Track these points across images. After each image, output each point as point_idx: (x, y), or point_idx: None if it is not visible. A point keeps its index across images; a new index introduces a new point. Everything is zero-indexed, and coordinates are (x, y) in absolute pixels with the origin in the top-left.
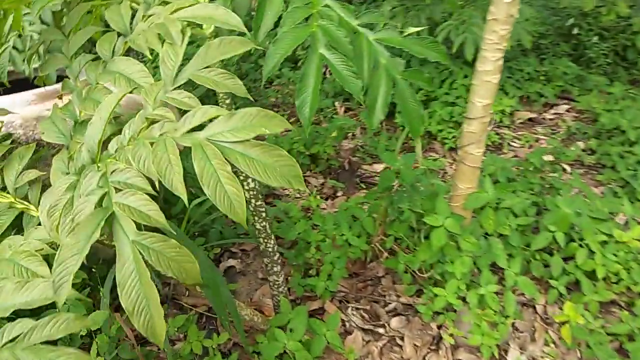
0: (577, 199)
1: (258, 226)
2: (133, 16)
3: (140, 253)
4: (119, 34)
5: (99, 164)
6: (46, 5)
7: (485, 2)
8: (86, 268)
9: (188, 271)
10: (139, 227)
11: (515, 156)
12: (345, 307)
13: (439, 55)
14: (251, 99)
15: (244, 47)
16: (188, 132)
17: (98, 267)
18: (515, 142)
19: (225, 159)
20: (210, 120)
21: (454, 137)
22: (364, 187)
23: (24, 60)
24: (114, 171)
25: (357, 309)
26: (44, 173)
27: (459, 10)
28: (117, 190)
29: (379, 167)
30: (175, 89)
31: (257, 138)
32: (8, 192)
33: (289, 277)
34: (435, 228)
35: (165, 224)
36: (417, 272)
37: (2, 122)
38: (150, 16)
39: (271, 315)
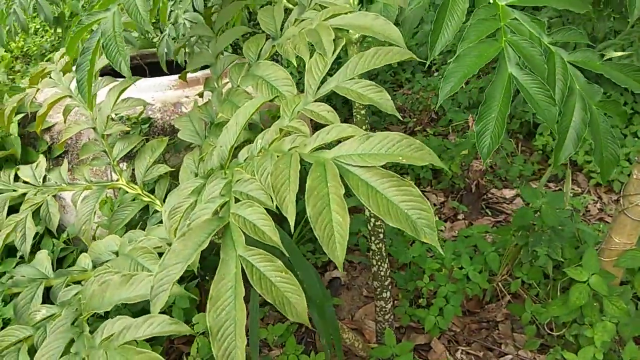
0: None
1: (373, 247)
2: (287, 19)
3: (243, 270)
4: (267, 37)
5: (226, 171)
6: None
7: None
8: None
9: (291, 303)
10: (252, 244)
11: None
12: (454, 348)
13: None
14: (399, 116)
15: (400, 58)
16: (317, 149)
17: (211, 258)
18: None
19: (345, 183)
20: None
21: (608, 179)
22: (489, 213)
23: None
24: (238, 180)
25: (467, 353)
26: (173, 169)
27: (629, 29)
28: (237, 200)
29: (508, 193)
30: (317, 100)
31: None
32: (136, 184)
33: (396, 301)
34: (577, 283)
35: (279, 243)
36: (544, 326)
37: (144, 106)
38: (303, 20)
39: (372, 340)
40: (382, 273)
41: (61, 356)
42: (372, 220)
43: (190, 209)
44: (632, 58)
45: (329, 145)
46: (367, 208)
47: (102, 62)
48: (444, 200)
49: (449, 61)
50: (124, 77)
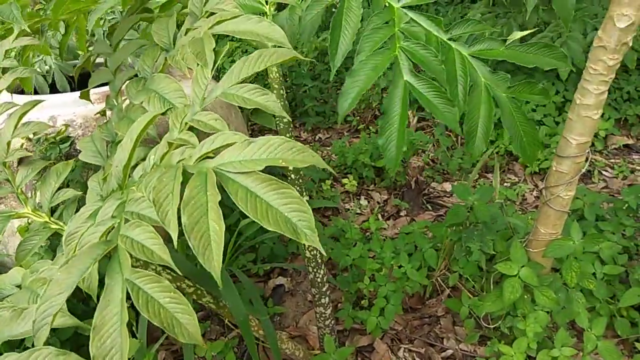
0: None
1: (308, 254)
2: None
3: (129, 294)
4: (161, 49)
5: (123, 191)
6: (101, 16)
7: (587, 14)
8: None
9: (182, 325)
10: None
11: (606, 187)
12: (397, 347)
13: (558, 62)
14: (288, 117)
15: (284, 58)
16: (202, 158)
17: None
18: (607, 171)
19: (223, 189)
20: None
21: (537, 160)
22: (430, 208)
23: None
24: (130, 200)
25: (410, 350)
26: (81, 192)
27: (556, 21)
28: (127, 221)
29: (448, 187)
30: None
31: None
32: (43, 211)
33: (339, 304)
34: (508, 277)
35: (169, 261)
36: (482, 319)
37: (66, 126)
38: (194, 29)
39: (315, 346)
40: (319, 279)
41: None
42: None
43: (87, 235)
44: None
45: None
46: (247, 214)
47: (2, 83)
48: (387, 198)
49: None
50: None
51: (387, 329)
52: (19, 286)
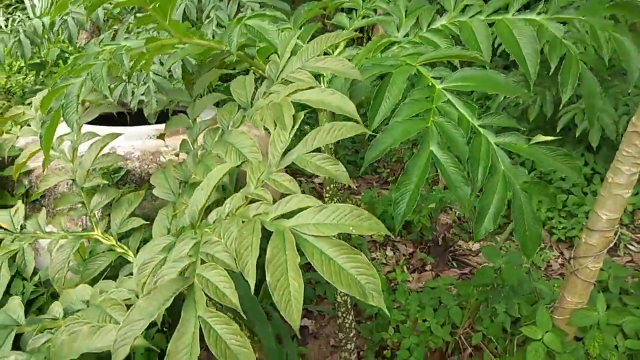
0: None
1: (339, 299)
2: (256, 89)
3: (201, 331)
4: (239, 106)
5: (196, 230)
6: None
7: (619, 90)
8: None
9: None
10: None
11: (631, 260)
12: None
13: (572, 172)
14: (354, 186)
15: (354, 132)
16: (277, 217)
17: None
18: (632, 245)
19: (300, 251)
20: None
21: (564, 227)
22: (455, 265)
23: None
24: (206, 242)
25: None
26: (147, 222)
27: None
28: (203, 262)
29: (474, 246)
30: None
31: None
32: (111, 234)
33: (362, 351)
34: (532, 341)
35: (237, 306)
36: None
37: (122, 160)
38: (270, 93)
39: None
40: (347, 325)
41: None
42: None
43: (159, 266)
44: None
45: (289, 214)
46: (321, 274)
47: (87, 117)
48: (413, 251)
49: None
50: (106, 122)
51: None
52: (86, 302)
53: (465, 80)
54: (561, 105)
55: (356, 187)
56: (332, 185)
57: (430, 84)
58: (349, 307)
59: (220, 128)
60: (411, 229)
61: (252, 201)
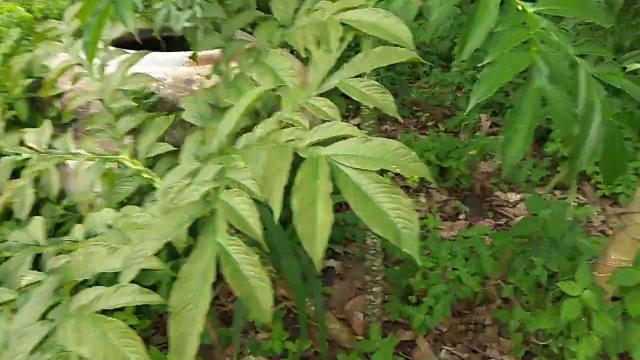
0: None
1: (369, 241)
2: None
3: (218, 259)
4: (279, 25)
5: (223, 157)
6: None
7: None
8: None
9: (259, 302)
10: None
11: None
12: (439, 347)
13: None
14: (400, 119)
15: (404, 58)
16: (313, 144)
17: None
18: None
19: (334, 183)
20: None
21: (609, 184)
22: (491, 216)
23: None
24: (233, 167)
25: (452, 353)
26: (177, 148)
27: None
28: (228, 188)
29: (513, 197)
30: (321, 94)
31: None
32: (139, 159)
33: (387, 295)
34: (569, 297)
35: (259, 237)
36: (531, 335)
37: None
38: (315, 10)
39: (358, 332)
40: (375, 267)
41: (37, 320)
42: None
43: (183, 191)
44: None
45: (326, 143)
46: (354, 210)
47: (115, 32)
48: (447, 199)
49: (478, 65)
50: (137, 50)
51: (432, 328)
52: (109, 226)
53: (557, 3)
54: None
55: (392, 130)
56: (371, 122)
57: (520, 7)
58: (379, 249)
59: (257, 49)
60: (447, 176)
61: (287, 127)
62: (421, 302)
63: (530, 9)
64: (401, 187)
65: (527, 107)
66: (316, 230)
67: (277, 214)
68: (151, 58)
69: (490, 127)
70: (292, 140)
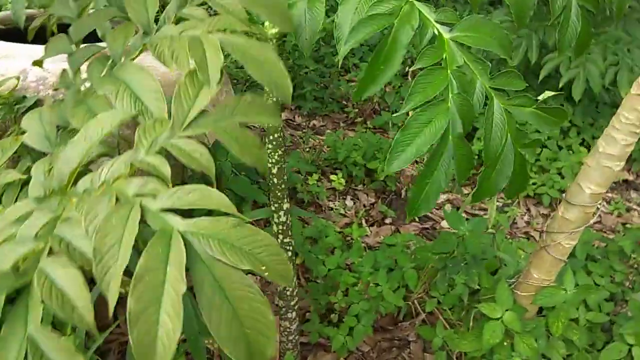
0: None
1: None
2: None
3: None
4: (142, 31)
5: (62, 199)
6: None
7: (609, 39)
8: None
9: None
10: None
11: (599, 222)
12: None
13: (555, 125)
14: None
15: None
16: (169, 210)
17: None
18: (602, 205)
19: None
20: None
21: (533, 183)
22: (417, 220)
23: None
24: (65, 220)
25: None
26: (25, 177)
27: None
28: (50, 252)
29: (440, 197)
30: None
31: None
32: None
33: (308, 312)
34: (491, 320)
35: (93, 327)
36: (455, 354)
37: (17, 78)
38: (184, 20)
39: (275, 358)
40: (289, 292)
41: None
42: (280, 237)
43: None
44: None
45: (187, 212)
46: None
47: None
48: (374, 202)
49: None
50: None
51: (354, 350)
52: None
53: (474, 31)
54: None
55: (321, 126)
56: (276, 135)
57: (436, 31)
58: (292, 274)
59: (112, 58)
60: (374, 177)
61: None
62: (342, 320)
63: (446, 34)
64: (327, 189)
65: (444, 159)
66: (156, 341)
67: (111, 306)
68: (11, 52)
69: None
70: (142, 195)
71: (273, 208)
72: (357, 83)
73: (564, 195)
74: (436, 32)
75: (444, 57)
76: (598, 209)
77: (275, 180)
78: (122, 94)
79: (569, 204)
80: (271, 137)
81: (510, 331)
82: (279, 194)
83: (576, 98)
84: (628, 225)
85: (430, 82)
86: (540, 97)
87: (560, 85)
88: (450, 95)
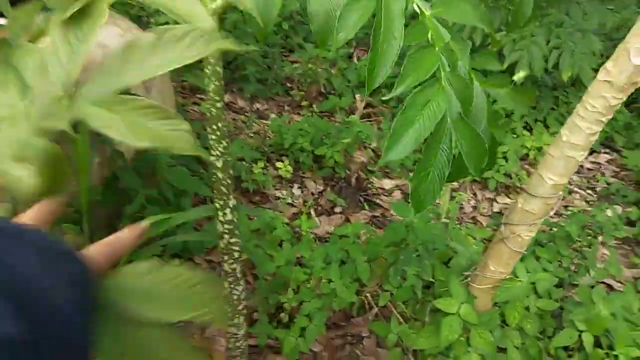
0: (616, 299)
1: (226, 267)
2: None
3: None
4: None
5: None
6: None
7: (552, 21)
8: None
9: None
10: None
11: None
12: None
13: (526, 105)
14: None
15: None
16: None
17: None
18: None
19: None
20: None
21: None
22: (367, 207)
23: None
24: None
25: None
26: None
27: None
28: None
29: (388, 184)
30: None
31: None
32: None
33: (256, 312)
34: (448, 315)
35: None
36: (410, 351)
37: None
38: None
39: None
40: (236, 296)
41: None
42: (226, 237)
43: None
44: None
45: None
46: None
47: None
48: (323, 189)
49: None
50: None
51: (307, 351)
52: None
53: (451, 6)
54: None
55: (265, 109)
56: (220, 125)
57: (417, 7)
58: (239, 276)
59: (9, 40)
60: (322, 164)
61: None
62: (293, 320)
63: (427, 10)
64: (274, 178)
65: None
66: None
67: None
68: None
69: (365, 107)
70: None
71: (218, 205)
72: (367, 73)
73: (523, 185)
74: (417, 9)
75: (429, 35)
76: (558, 199)
77: (219, 174)
78: (8, 83)
79: (530, 195)
80: (214, 127)
81: (466, 325)
82: (224, 189)
83: (518, 80)
84: (570, 208)
85: (421, 61)
86: (514, 78)
87: (505, 67)
88: (442, 74)
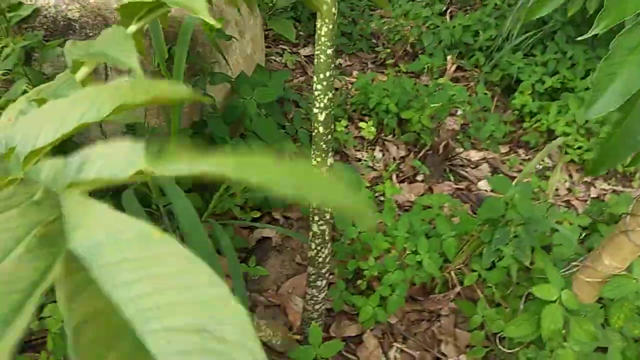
0: None
1: (315, 228)
2: None
3: None
4: None
5: None
6: None
7: None
8: None
9: None
10: None
11: None
12: (388, 344)
13: None
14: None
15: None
16: None
17: None
18: None
19: None
20: None
21: (579, 147)
22: (452, 178)
23: None
24: None
25: (402, 351)
26: None
27: None
28: None
29: (475, 156)
30: None
31: None
32: None
33: (332, 275)
34: (548, 303)
35: None
36: (495, 336)
37: None
38: None
39: (295, 324)
40: (321, 259)
41: None
42: None
43: None
44: None
45: None
46: None
47: None
48: (406, 155)
49: None
50: None
51: (384, 322)
52: None
53: None
54: None
55: (347, 65)
56: (327, 74)
57: None
58: (327, 238)
59: None
60: (406, 128)
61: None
62: (371, 287)
63: None
64: (355, 138)
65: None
66: None
67: None
68: None
69: (455, 71)
70: None
71: (315, 162)
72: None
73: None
74: None
75: None
76: None
77: (321, 129)
78: None
79: None
80: (321, 76)
81: (566, 316)
82: (323, 145)
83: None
84: None
85: None
86: None
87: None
88: None
